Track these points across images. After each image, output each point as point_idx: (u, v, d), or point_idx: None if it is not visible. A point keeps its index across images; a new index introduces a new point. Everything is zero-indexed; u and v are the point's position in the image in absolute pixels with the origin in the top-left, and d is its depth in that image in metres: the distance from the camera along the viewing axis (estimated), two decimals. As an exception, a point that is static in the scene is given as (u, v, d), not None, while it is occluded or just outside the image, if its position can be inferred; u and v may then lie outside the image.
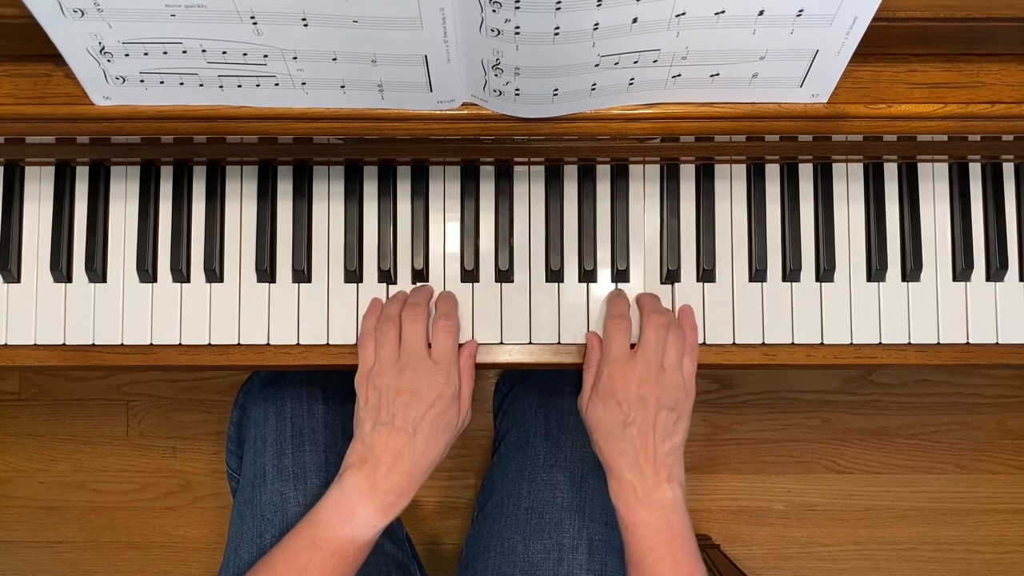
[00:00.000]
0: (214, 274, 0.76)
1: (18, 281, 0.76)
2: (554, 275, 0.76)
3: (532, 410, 0.90)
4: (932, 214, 0.77)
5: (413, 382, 0.69)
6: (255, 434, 0.86)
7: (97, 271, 0.75)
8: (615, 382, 0.69)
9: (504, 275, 0.76)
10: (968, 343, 0.75)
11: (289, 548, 0.68)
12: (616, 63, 0.59)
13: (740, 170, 0.77)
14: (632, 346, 0.71)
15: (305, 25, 0.56)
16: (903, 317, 0.75)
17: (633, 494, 0.67)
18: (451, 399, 0.70)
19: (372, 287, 0.76)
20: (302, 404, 0.87)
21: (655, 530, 0.66)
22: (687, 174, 0.77)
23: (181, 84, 0.61)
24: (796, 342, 0.75)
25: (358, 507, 0.67)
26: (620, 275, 0.75)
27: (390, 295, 0.76)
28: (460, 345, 0.74)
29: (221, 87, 0.61)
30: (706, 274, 0.76)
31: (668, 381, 0.70)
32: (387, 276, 0.76)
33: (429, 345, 0.72)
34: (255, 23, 0.56)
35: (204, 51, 0.58)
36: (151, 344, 0.75)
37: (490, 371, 1.04)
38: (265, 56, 0.58)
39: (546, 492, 0.84)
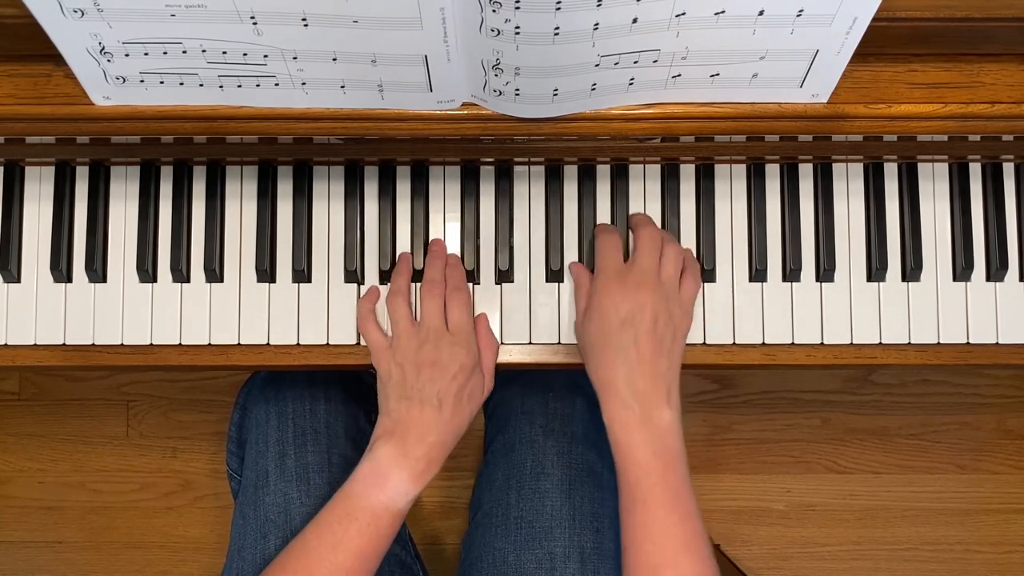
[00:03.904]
0: (214, 274, 0.76)
1: (18, 281, 0.76)
2: (554, 275, 0.76)
3: (516, 417, 0.89)
4: (932, 214, 0.77)
5: (434, 355, 0.70)
6: (256, 435, 0.86)
7: (97, 271, 0.75)
8: (611, 287, 0.68)
9: (504, 275, 0.76)
10: (968, 343, 0.75)
11: (322, 523, 0.68)
12: (616, 63, 0.59)
13: (740, 170, 0.77)
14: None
15: (305, 25, 0.56)
16: (903, 317, 0.75)
17: (631, 413, 0.65)
18: (472, 369, 0.71)
19: (373, 287, 0.76)
20: (303, 404, 0.87)
21: (651, 453, 0.65)
22: (687, 174, 0.77)
23: (181, 84, 0.61)
24: (796, 342, 0.75)
25: (391, 475, 0.68)
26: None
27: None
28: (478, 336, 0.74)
29: (221, 87, 0.61)
30: (706, 274, 0.76)
31: (665, 291, 0.69)
32: (387, 276, 0.76)
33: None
34: (255, 23, 0.56)
35: (204, 51, 0.58)
36: (151, 344, 0.75)
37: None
38: (265, 56, 0.58)
39: (534, 501, 0.83)
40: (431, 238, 0.77)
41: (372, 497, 0.68)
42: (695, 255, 0.76)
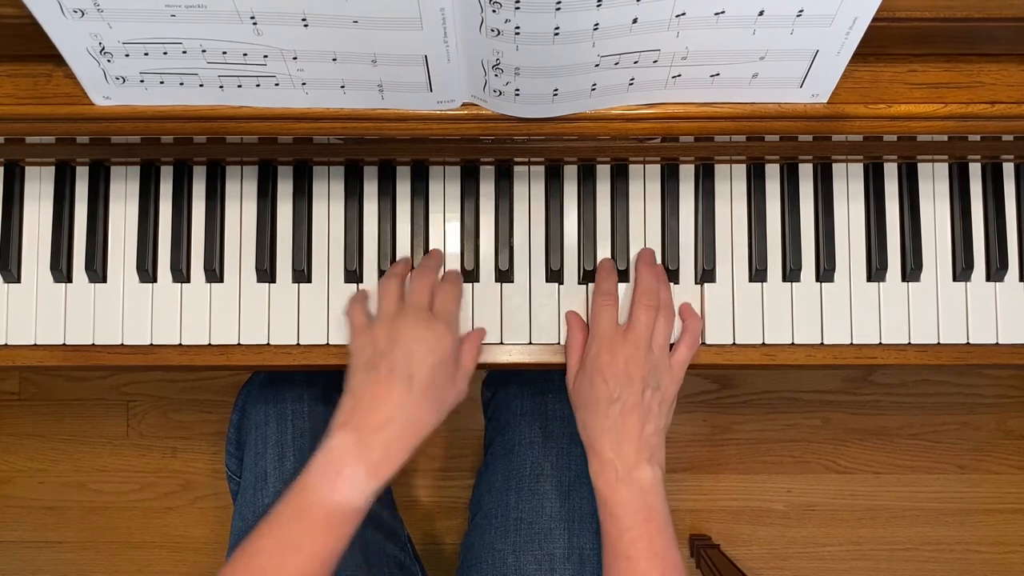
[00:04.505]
0: (214, 274, 0.76)
1: (18, 281, 0.76)
2: (554, 275, 0.76)
3: (515, 418, 0.89)
4: (932, 214, 0.77)
5: (411, 329, 0.66)
6: (256, 437, 0.86)
7: (97, 271, 0.75)
8: (602, 359, 0.69)
9: (504, 275, 0.76)
10: (968, 343, 0.75)
11: (273, 521, 0.63)
12: (616, 63, 0.59)
13: (740, 170, 0.77)
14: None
15: (305, 25, 0.56)
16: (903, 317, 0.75)
17: (614, 472, 0.67)
18: (450, 353, 0.68)
19: (373, 287, 0.76)
20: (303, 406, 0.87)
21: (633, 510, 0.66)
22: (687, 174, 0.77)
23: (181, 84, 0.61)
24: (796, 342, 0.75)
25: (345, 469, 0.63)
26: (621, 275, 0.75)
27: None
28: (466, 335, 0.74)
29: (221, 87, 0.61)
30: (706, 274, 0.76)
31: (655, 361, 0.70)
32: (387, 276, 0.76)
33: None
34: (255, 23, 0.56)
35: (204, 51, 0.58)
36: (151, 344, 0.75)
37: (484, 371, 1.05)
38: (265, 56, 0.58)
39: (534, 502, 0.83)
40: (430, 243, 0.77)
41: (324, 493, 0.63)
42: (695, 256, 0.76)
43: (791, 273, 0.76)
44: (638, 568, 0.65)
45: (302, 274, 0.76)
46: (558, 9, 0.53)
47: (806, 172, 0.77)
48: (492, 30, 0.55)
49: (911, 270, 0.76)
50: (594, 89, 0.61)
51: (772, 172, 0.77)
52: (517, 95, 0.61)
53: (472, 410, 1.43)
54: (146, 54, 0.58)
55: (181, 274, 0.75)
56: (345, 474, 0.63)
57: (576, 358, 0.72)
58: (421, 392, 0.65)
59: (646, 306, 0.71)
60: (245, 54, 0.58)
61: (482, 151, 0.74)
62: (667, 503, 0.68)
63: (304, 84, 0.61)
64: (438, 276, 0.73)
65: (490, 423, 0.95)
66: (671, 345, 0.73)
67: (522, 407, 0.89)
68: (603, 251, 0.76)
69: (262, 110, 0.63)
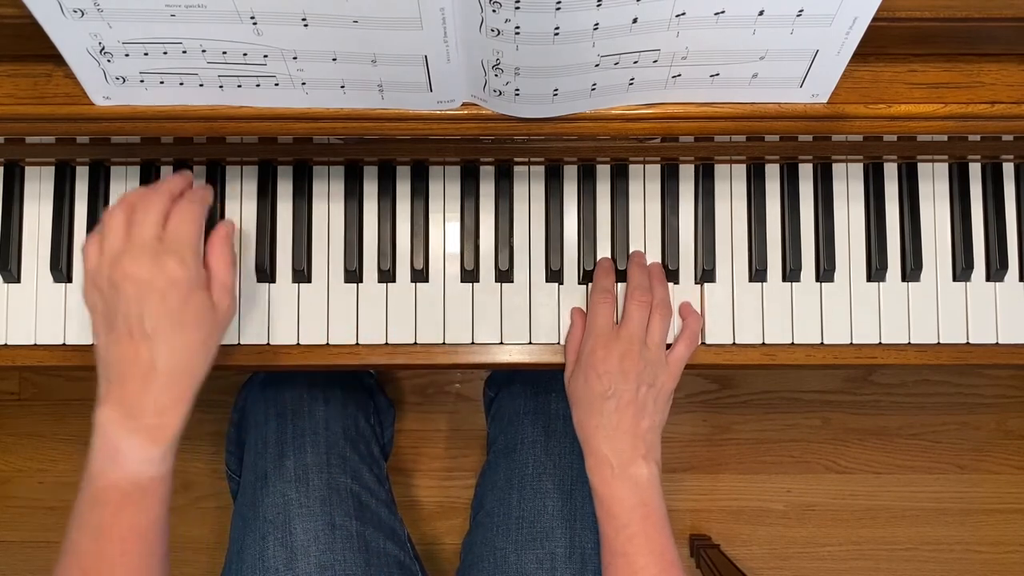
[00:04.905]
0: (214, 274, 0.75)
1: (18, 281, 0.76)
2: (554, 275, 0.76)
3: (519, 417, 0.89)
4: (932, 214, 0.77)
5: (133, 269, 0.59)
6: (255, 436, 0.86)
7: (97, 271, 0.75)
8: (597, 355, 0.69)
9: (504, 275, 0.76)
10: (968, 343, 0.75)
11: (77, 513, 0.60)
12: (616, 63, 0.59)
13: (740, 170, 0.77)
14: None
15: (305, 25, 0.56)
16: (903, 317, 0.75)
17: (609, 469, 0.67)
18: (191, 284, 0.60)
19: (372, 287, 0.76)
20: (303, 405, 0.87)
21: (629, 507, 0.66)
22: (687, 174, 0.77)
23: (181, 84, 0.61)
24: (796, 342, 0.75)
25: (120, 445, 0.59)
26: (620, 275, 0.75)
27: (388, 291, 0.76)
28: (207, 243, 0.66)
29: (221, 87, 0.61)
30: (706, 274, 0.76)
31: (651, 357, 0.70)
32: (387, 276, 0.76)
33: None
34: (255, 23, 0.56)
35: (204, 51, 0.58)
36: (151, 344, 0.75)
37: (486, 372, 1.05)
38: (265, 56, 0.58)
39: (536, 501, 0.83)
40: (430, 243, 0.76)
41: (112, 475, 0.59)
42: (695, 256, 0.76)
43: (791, 273, 0.76)
44: (636, 564, 0.65)
45: (302, 274, 0.76)
46: (558, 9, 0.53)
47: (806, 172, 0.77)
48: (492, 30, 0.55)
49: (911, 270, 0.76)
50: (594, 89, 0.61)
51: (772, 172, 0.77)
52: (517, 95, 0.61)
53: (472, 410, 1.44)
54: (146, 54, 0.59)
55: (181, 274, 0.75)
56: (123, 451, 0.59)
57: (574, 355, 0.72)
58: (168, 342, 0.59)
59: (639, 302, 0.71)
60: (245, 54, 0.58)
61: (482, 151, 0.74)
62: (664, 500, 0.68)
63: (304, 84, 0.61)
64: (173, 197, 0.64)
65: (493, 422, 0.95)
66: (669, 345, 0.73)
67: (525, 406, 0.90)
68: (603, 251, 0.76)
69: (262, 110, 0.63)
